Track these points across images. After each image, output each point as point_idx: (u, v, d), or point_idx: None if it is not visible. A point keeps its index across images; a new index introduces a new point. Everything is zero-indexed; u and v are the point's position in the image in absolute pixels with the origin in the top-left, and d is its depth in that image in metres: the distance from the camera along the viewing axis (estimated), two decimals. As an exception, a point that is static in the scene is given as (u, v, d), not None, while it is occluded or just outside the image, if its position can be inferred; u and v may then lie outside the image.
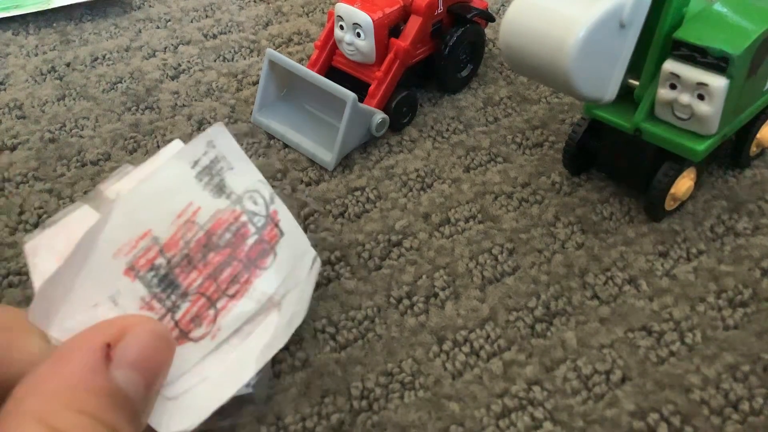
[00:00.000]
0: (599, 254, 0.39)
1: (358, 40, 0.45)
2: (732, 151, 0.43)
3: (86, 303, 0.20)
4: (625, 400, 0.32)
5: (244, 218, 0.22)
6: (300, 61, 0.55)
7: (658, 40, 0.36)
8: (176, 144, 0.23)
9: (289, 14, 0.62)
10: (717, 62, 0.35)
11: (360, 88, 0.46)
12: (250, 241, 0.22)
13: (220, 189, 0.22)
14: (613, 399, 0.32)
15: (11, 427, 0.16)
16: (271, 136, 0.48)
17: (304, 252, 0.25)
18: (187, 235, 0.21)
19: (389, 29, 0.46)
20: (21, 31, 0.60)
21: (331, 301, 0.37)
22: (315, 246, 0.38)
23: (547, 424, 0.31)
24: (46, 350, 0.19)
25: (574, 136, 0.42)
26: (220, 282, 0.22)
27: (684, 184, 0.39)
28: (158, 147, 0.48)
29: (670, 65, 0.36)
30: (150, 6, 0.63)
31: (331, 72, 0.49)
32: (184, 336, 0.21)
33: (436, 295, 0.37)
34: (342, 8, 0.45)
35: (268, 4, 0.63)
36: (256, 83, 0.53)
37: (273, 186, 0.44)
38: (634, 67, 0.36)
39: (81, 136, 0.48)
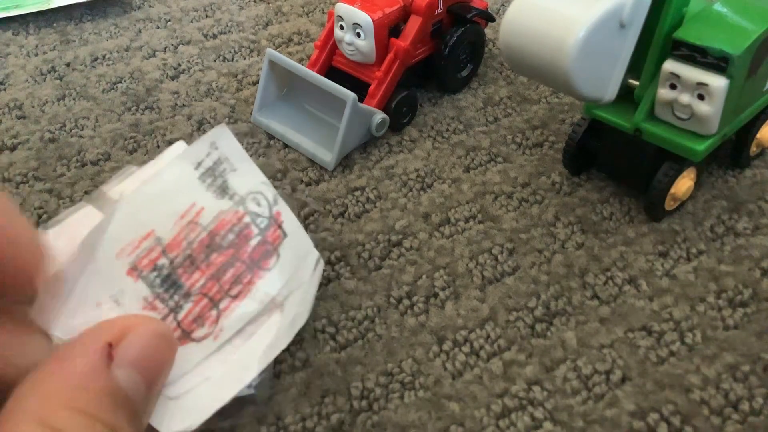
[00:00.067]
0: (599, 254, 0.39)
1: (358, 40, 0.45)
2: (732, 151, 0.43)
3: (89, 303, 0.20)
4: (625, 400, 0.32)
5: (247, 219, 0.22)
6: (300, 61, 0.55)
7: (658, 40, 0.36)
8: (179, 145, 0.24)
9: (289, 14, 0.62)
10: (717, 62, 0.35)
11: (360, 88, 0.46)
12: (253, 242, 0.23)
13: (223, 190, 0.22)
14: (613, 399, 0.32)
15: (11, 427, 0.16)
16: (271, 136, 0.48)
17: (307, 253, 0.25)
18: (190, 236, 0.21)
19: (389, 29, 0.46)
20: (21, 31, 0.60)
21: (331, 301, 0.37)
22: (315, 246, 0.38)
23: (547, 424, 0.31)
24: (48, 349, 0.19)
25: (574, 136, 0.42)
26: (222, 283, 0.22)
27: (684, 184, 0.39)
28: (158, 147, 0.48)
29: (670, 65, 0.36)
30: (150, 6, 0.63)
31: (331, 72, 0.49)
32: (186, 336, 0.21)
33: (436, 295, 0.37)
34: (342, 8, 0.45)
35: (268, 4, 0.63)
36: (256, 83, 0.53)
37: (273, 186, 0.44)
38: (634, 67, 0.37)
39: (81, 136, 0.48)
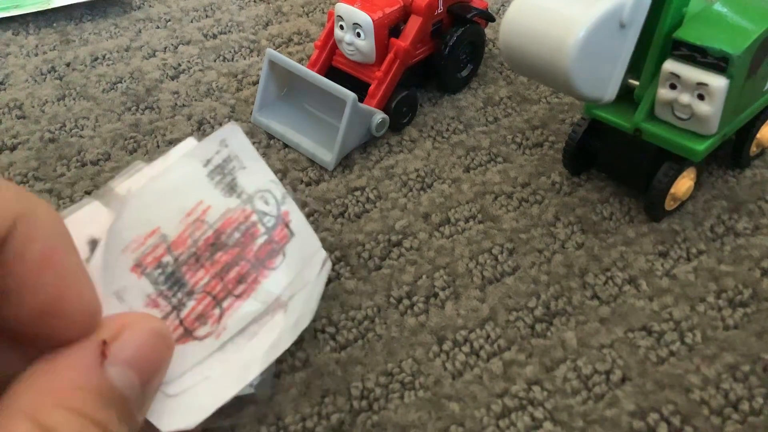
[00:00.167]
0: (599, 254, 0.39)
1: (358, 40, 0.45)
2: (732, 151, 0.43)
3: None
4: (625, 400, 0.32)
5: (254, 218, 0.22)
6: (300, 61, 0.55)
7: (658, 40, 0.36)
8: (189, 142, 0.23)
9: (289, 14, 0.62)
10: (717, 62, 0.35)
11: (360, 88, 0.46)
12: (260, 241, 0.22)
13: (232, 188, 0.22)
14: (613, 399, 0.32)
15: (3, 425, 0.16)
16: (271, 136, 0.48)
17: (314, 253, 0.25)
18: (196, 234, 0.21)
19: (389, 29, 0.46)
20: (21, 31, 0.60)
21: (331, 301, 0.37)
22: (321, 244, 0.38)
23: (547, 424, 0.31)
24: (21, 358, 0.19)
25: (574, 136, 0.42)
26: (226, 281, 0.22)
27: (684, 184, 0.39)
28: (158, 147, 0.48)
29: (670, 65, 0.36)
30: (150, 6, 0.63)
31: (331, 72, 0.49)
32: (188, 334, 0.21)
33: (436, 295, 0.37)
34: (342, 8, 0.45)
35: (268, 4, 0.63)
36: (256, 83, 0.53)
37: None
38: (634, 67, 0.37)
39: (81, 136, 0.48)
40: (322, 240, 0.40)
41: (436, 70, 0.50)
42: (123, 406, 0.17)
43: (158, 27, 0.60)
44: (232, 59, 0.56)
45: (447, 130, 0.48)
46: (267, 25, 0.60)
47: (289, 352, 0.34)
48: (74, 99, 0.52)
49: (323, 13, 0.62)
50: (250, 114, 0.49)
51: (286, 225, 0.23)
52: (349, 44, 0.46)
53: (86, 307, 0.17)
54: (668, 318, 0.35)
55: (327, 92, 0.44)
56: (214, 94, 0.52)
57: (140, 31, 0.60)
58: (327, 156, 0.45)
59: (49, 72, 0.55)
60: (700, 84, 0.35)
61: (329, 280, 0.38)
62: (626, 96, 0.38)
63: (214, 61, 0.56)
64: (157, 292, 0.20)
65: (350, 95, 0.43)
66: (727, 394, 0.32)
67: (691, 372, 0.33)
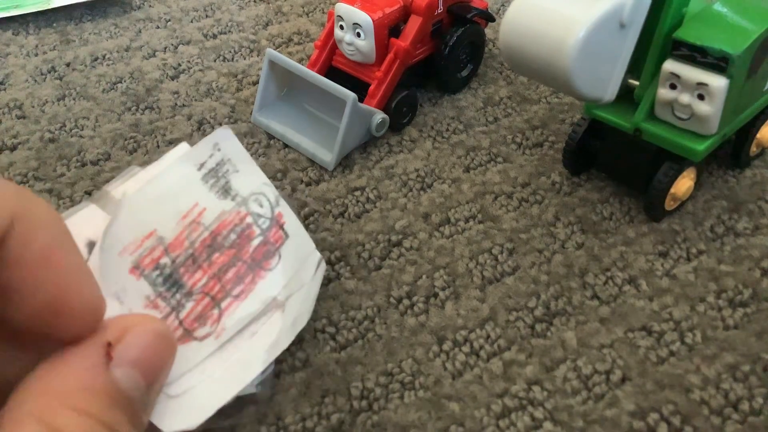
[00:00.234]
0: (599, 254, 0.39)
1: (358, 40, 0.45)
2: (732, 151, 0.43)
3: None
4: (625, 400, 0.32)
5: (249, 220, 0.23)
6: (300, 61, 0.55)
7: (658, 40, 0.36)
8: (183, 146, 0.24)
9: (289, 14, 0.62)
10: (717, 62, 0.35)
11: (360, 88, 0.46)
12: (255, 242, 0.23)
13: (226, 191, 0.22)
14: (613, 399, 0.32)
15: (11, 426, 0.16)
16: (271, 136, 0.48)
17: (309, 254, 0.25)
18: (192, 236, 0.21)
19: (389, 29, 0.46)
20: (21, 31, 0.60)
21: (331, 301, 0.37)
22: (315, 246, 0.38)
23: (547, 424, 0.31)
24: (32, 359, 0.19)
25: (574, 136, 0.42)
26: (224, 282, 0.22)
27: (684, 184, 0.39)
28: (158, 147, 0.48)
29: (670, 65, 0.36)
30: (150, 6, 0.63)
31: (331, 72, 0.49)
32: (188, 335, 0.21)
33: (436, 295, 0.37)
34: (342, 8, 0.45)
35: (268, 4, 0.63)
36: (256, 83, 0.53)
37: (274, 187, 0.44)
38: (634, 67, 0.37)
39: (81, 136, 0.48)
40: (322, 240, 0.40)
41: (436, 70, 0.50)
42: (129, 407, 0.18)
43: (158, 27, 0.60)
44: (232, 59, 0.56)
45: (447, 130, 0.48)
46: (267, 25, 0.60)
47: (289, 352, 0.34)
48: (74, 99, 0.52)
49: (323, 13, 0.62)
50: (250, 114, 0.49)
51: (281, 227, 0.23)
52: (349, 44, 0.46)
53: (88, 305, 0.17)
54: (668, 318, 0.35)
55: (327, 92, 0.44)
56: (214, 94, 0.52)
57: (140, 31, 0.60)
58: (327, 156, 0.45)
59: (49, 72, 0.55)
60: (700, 84, 0.35)
61: (329, 280, 0.38)
62: (626, 96, 0.38)
63: (214, 61, 0.56)
64: (155, 294, 0.21)
65: (350, 95, 0.43)
66: (727, 394, 0.32)
67: (691, 372, 0.33)
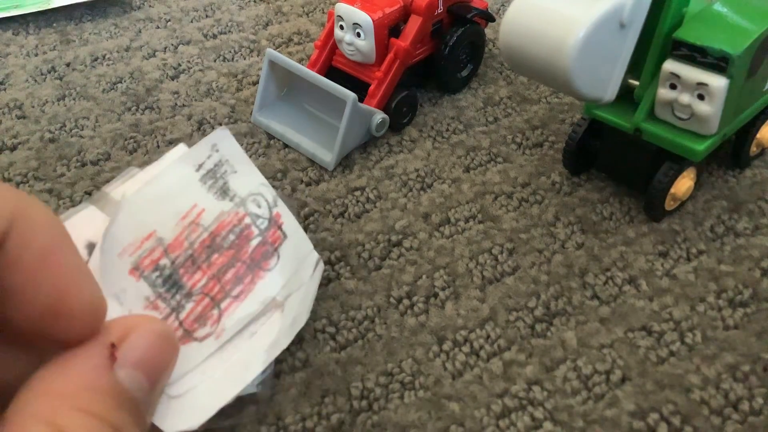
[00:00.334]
0: (599, 254, 0.39)
1: (358, 40, 0.45)
2: (732, 151, 0.43)
3: None
4: (625, 400, 0.32)
5: (247, 220, 0.23)
6: (300, 61, 0.55)
7: (658, 40, 0.36)
8: (181, 148, 0.24)
9: (289, 14, 0.62)
10: (717, 62, 0.35)
11: (360, 88, 0.46)
12: (254, 242, 0.23)
13: (224, 192, 0.22)
14: (613, 399, 0.32)
15: (18, 428, 0.16)
16: (271, 136, 0.48)
17: (307, 254, 0.25)
18: (192, 237, 0.21)
19: (389, 29, 0.46)
20: (21, 31, 0.60)
21: (331, 301, 0.37)
22: (315, 246, 0.38)
23: (547, 424, 0.31)
24: (32, 361, 0.19)
25: (574, 136, 0.42)
26: (224, 283, 0.22)
27: (684, 184, 0.39)
28: (158, 147, 0.48)
29: (670, 65, 0.36)
30: (150, 6, 0.63)
31: (331, 72, 0.49)
32: (188, 335, 0.21)
33: (436, 295, 0.37)
34: (342, 8, 0.45)
35: (268, 4, 0.63)
36: (256, 83, 0.53)
37: (273, 186, 0.44)
38: (634, 67, 0.37)
39: (81, 136, 0.48)
40: (322, 240, 0.40)
41: (436, 70, 0.50)
42: (134, 408, 0.18)
43: (158, 27, 0.60)
44: (232, 59, 0.56)
45: (447, 130, 0.48)
46: (267, 25, 0.60)
47: (289, 352, 0.34)
48: (74, 99, 0.52)
49: (323, 13, 0.62)
50: (250, 114, 0.49)
51: (279, 227, 0.24)
52: (349, 44, 0.46)
53: (88, 306, 0.17)
54: (668, 318, 0.35)
55: (327, 92, 0.44)
56: (214, 94, 0.52)
57: (140, 31, 0.60)
58: (327, 156, 0.45)
59: (49, 72, 0.55)
60: (700, 84, 0.35)
61: (329, 280, 0.38)
62: (626, 96, 0.38)
63: (214, 61, 0.56)
64: (155, 295, 0.21)
65: (350, 95, 0.43)
66: (727, 394, 0.32)
67: (691, 372, 0.33)
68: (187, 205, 0.21)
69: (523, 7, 0.33)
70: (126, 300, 0.20)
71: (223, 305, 0.22)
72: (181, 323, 0.21)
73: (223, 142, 0.22)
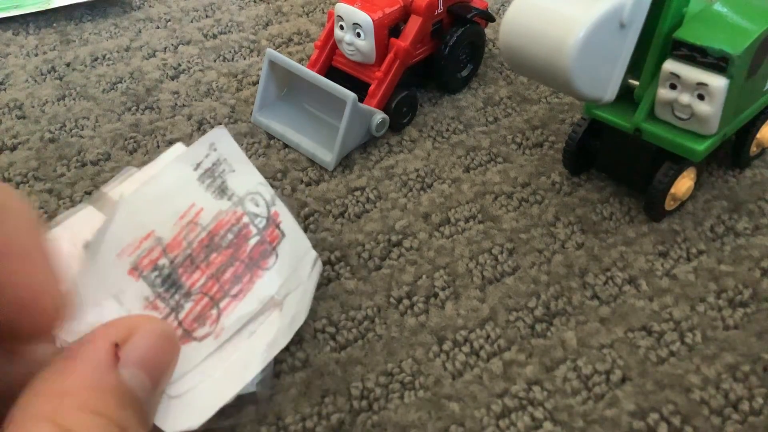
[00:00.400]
0: (599, 254, 0.39)
1: (358, 40, 0.45)
2: (732, 151, 0.43)
3: (91, 303, 0.20)
4: (625, 400, 0.32)
5: (245, 219, 0.23)
6: (300, 61, 0.55)
7: (658, 40, 0.36)
8: (178, 147, 0.24)
9: (289, 14, 0.62)
10: (717, 62, 0.35)
11: (360, 88, 0.46)
12: (252, 241, 0.23)
13: (222, 191, 0.22)
14: (613, 399, 0.32)
15: (23, 429, 0.16)
16: (271, 136, 0.48)
17: (305, 253, 0.25)
18: (190, 236, 0.21)
19: (389, 29, 0.46)
20: (21, 31, 0.60)
21: (331, 301, 0.37)
22: (315, 246, 0.38)
23: (547, 424, 0.31)
24: (51, 351, 0.19)
25: (574, 136, 0.42)
26: (222, 282, 0.22)
27: (684, 184, 0.39)
28: (158, 147, 0.48)
29: (670, 65, 0.36)
30: (150, 6, 0.63)
31: (331, 72, 0.49)
32: (187, 335, 0.21)
33: (436, 295, 0.37)
34: (342, 8, 0.45)
35: (268, 4, 0.63)
36: (256, 83, 0.53)
37: (273, 186, 0.44)
38: (634, 67, 0.37)
39: (81, 136, 0.48)
40: (322, 240, 0.40)
41: (436, 70, 0.50)
42: (138, 407, 0.18)
43: (158, 27, 0.60)
44: (232, 59, 0.56)
45: (447, 130, 0.48)
46: (267, 25, 0.60)
47: (289, 352, 0.34)
48: (74, 99, 0.52)
49: (323, 13, 0.62)
50: (250, 114, 0.49)
51: (277, 226, 0.24)
52: (349, 44, 0.46)
53: (52, 302, 0.17)
54: (668, 318, 0.35)
55: (327, 92, 0.44)
56: (214, 94, 0.52)
57: (140, 31, 0.60)
58: (327, 156, 0.45)
59: (49, 72, 0.55)
60: (700, 84, 0.35)
61: (329, 280, 0.38)
62: (626, 96, 0.38)
63: (214, 61, 0.56)
64: (155, 295, 0.21)
65: (350, 95, 0.43)
66: (727, 394, 0.32)
67: (691, 372, 0.33)
68: (185, 204, 0.21)
69: (523, 7, 0.33)
70: (125, 300, 0.20)
71: (222, 304, 0.22)
72: (180, 323, 0.21)
73: (220, 141, 0.22)
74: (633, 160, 0.40)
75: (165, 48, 0.57)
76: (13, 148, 0.48)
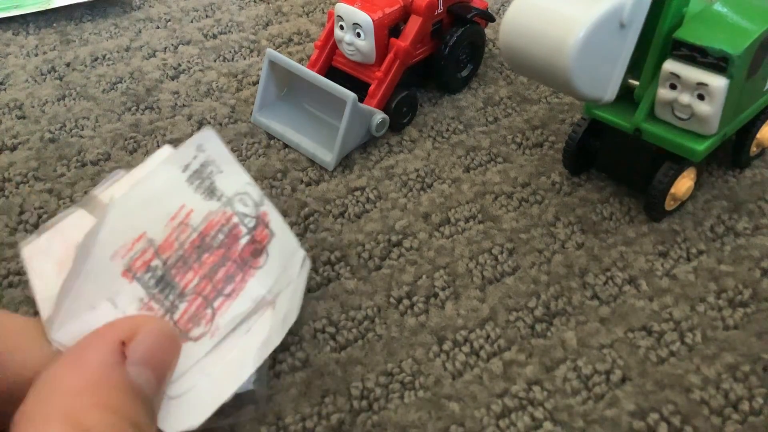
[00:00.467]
0: (599, 254, 0.39)
1: (358, 40, 0.45)
2: (732, 151, 0.43)
3: (86, 305, 0.20)
4: (625, 400, 0.32)
5: (235, 219, 0.23)
6: (300, 61, 0.55)
7: (658, 40, 0.36)
8: (166, 149, 0.24)
9: (289, 14, 0.62)
10: (717, 62, 0.35)
11: (360, 88, 0.46)
12: (243, 241, 0.23)
13: (211, 192, 0.22)
14: (613, 399, 0.32)
15: (37, 426, 0.16)
16: (271, 136, 0.48)
17: (294, 252, 0.25)
18: (181, 237, 0.21)
19: (389, 29, 0.46)
20: (21, 31, 0.60)
21: (331, 301, 0.37)
22: (315, 246, 0.39)
23: (547, 424, 0.31)
24: (49, 353, 0.19)
25: (574, 136, 0.42)
26: (215, 282, 0.22)
27: (684, 184, 0.39)
28: (158, 147, 0.48)
29: (670, 65, 0.36)
30: (150, 6, 0.63)
31: (331, 72, 0.49)
32: (183, 335, 0.21)
33: (436, 295, 0.37)
34: (342, 8, 0.45)
35: (268, 4, 0.63)
36: (256, 83, 0.53)
37: (273, 186, 0.44)
38: (634, 67, 0.37)
39: (81, 136, 0.48)
40: (322, 240, 0.40)
41: (436, 70, 0.50)
42: (147, 404, 0.18)
43: (158, 27, 0.60)
44: (232, 59, 0.56)
45: (447, 130, 0.48)
46: (267, 25, 0.60)
47: (289, 352, 0.34)
48: (74, 99, 0.52)
49: (323, 13, 0.62)
50: (250, 114, 0.49)
51: (266, 225, 0.24)
52: (349, 44, 0.46)
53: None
54: (668, 318, 0.35)
55: (327, 92, 0.44)
56: (214, 94, 0.52)
57: (140, 31, 0.60)
58: (327, 156, 0.45)
59: (49, 72, 0.55)
60: (700, 84, 0.35)
61: (329, 280, 0.38)
62: (626, 96, 0.38)
63: (214, 61, 0.56)
64: (149, 296, 0.21)
65: (350, 95, 0.43)
66: (727, 394, 0.32)
67: (691, 372, 0.33)
68: (175, 206, 0.21)
69: (523, 7, 0.33)
70: (120, 302, 0.20)
71: (216, 304, 0.22)
72: (175, 323, 0.21)
73: (208, 142, 0.23)
74: (633, 160, 0.40)
75: (165, 48, 0.57)
76: (13, 148, 0.48)
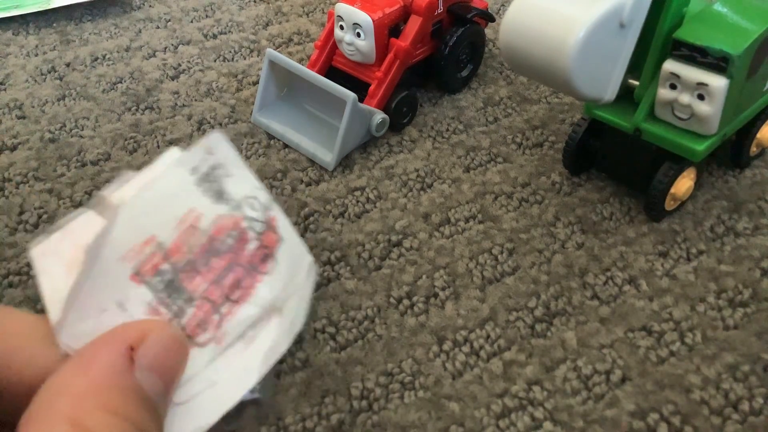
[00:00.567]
0: (599, 254, 0.39)
1: (358, 40, 0.45)
2: (732, 151, 0.43)
3: (94, 308, 0.20)
4: (625, 400, 0.32)
5: (244, 224, 0.23)
6: (300, 61, 0.55)
7: (658, 40, 0.36)
8: (174, 151, 0.24)
9: (289, 14, 0.62)
10: (717, 62, 0.35)
11: (360, 88, 0.46)
12: (251, 246, 0.23)
13: (220, 195, 0.22)
14: (613, 399, 0.32)
15: (42, 429, 0.16)
16: (271, 136, 0.48)
17: (302, 257, 0.25)
18: (191, 241, 0.21)
19: (389, 29, 0.46)
20: (21, 31, 0.60)
21: (331, 301, 0.37)
22: (315, 246, 0.39)
23: (547, 424, 0.31)
24: (55, 355, 0.19)
25: (574, 136, 0.42)
26: (224, 287, 0.22)
27: (684, 184, 0.39)
28: (158, 147, 0.48)
29: (670, 65, 0.36)
30: (150, 6, 0.63)
31: (331, 72, 0.49)
32: (190, 341, 0.21)
33: (436, 295, 0.37)
34: (342, 8, 0.45)
35: (268, 4, 0.63)
36: (256, 83, 0.53)
37: (273, 186, 0.44)
38: (634, 67, 0.37)
39: (81, 136, 0.48)
40: (322, 240, 0.40)
41: (436, 70, 0.50)
42: (154, 410, 0.18)
43: (158, 27, 0.60)
44: (232, 59, 0.56)
45: (447, 130, 0.48)
46: (267, 25, 0.60)
47: (289, 352, 0.34)
48: (74, 99, 0.52)
49: (323, 13, 0.62)
50: (250, 114, 0.49)
51: (274, 230, 0.23)
52: (349, 44, 0.46)
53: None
54: (668, 318, 0.35)
55: (327, 92, 0.44)
56: (214, 94, 0.52)
57: (140, 31, 0.60)
58: (327, 156, 0.45)
59: (49, 72, 0.55)
60: (700, 84, 0.35)
61: (329, 280, 0.38)
62: (626, 96, 0.38)
63: (214, 61, 0.56)
64: (157, 300, 0.21)
65: (350, 95, 0.43)
66: (727, 394, 0.32)
67: (691, 372, 0.33)
68: (184, 209, 0.21)
69: (523, 7, 0.33)
70: (128, 306, 0.20)
71: (223, 310, 0.22)
72: (183, 328, 0.21)
73: (217, 145, 0.22)
74: (633, 160, 0.40)
75: (165, 48, 0.57)
76: (13, 148, 0.48)
